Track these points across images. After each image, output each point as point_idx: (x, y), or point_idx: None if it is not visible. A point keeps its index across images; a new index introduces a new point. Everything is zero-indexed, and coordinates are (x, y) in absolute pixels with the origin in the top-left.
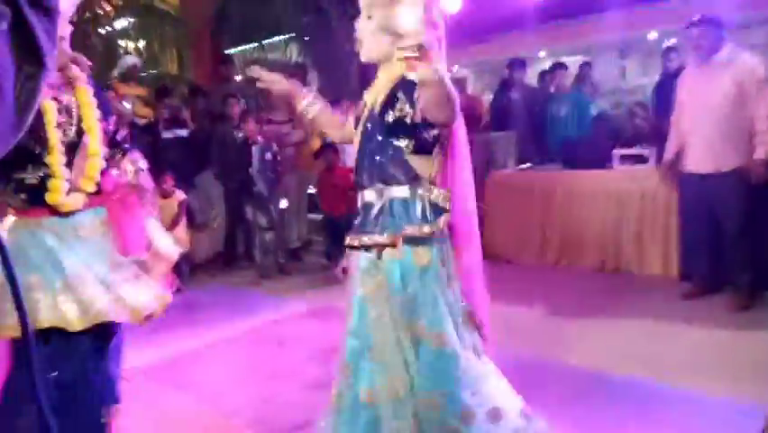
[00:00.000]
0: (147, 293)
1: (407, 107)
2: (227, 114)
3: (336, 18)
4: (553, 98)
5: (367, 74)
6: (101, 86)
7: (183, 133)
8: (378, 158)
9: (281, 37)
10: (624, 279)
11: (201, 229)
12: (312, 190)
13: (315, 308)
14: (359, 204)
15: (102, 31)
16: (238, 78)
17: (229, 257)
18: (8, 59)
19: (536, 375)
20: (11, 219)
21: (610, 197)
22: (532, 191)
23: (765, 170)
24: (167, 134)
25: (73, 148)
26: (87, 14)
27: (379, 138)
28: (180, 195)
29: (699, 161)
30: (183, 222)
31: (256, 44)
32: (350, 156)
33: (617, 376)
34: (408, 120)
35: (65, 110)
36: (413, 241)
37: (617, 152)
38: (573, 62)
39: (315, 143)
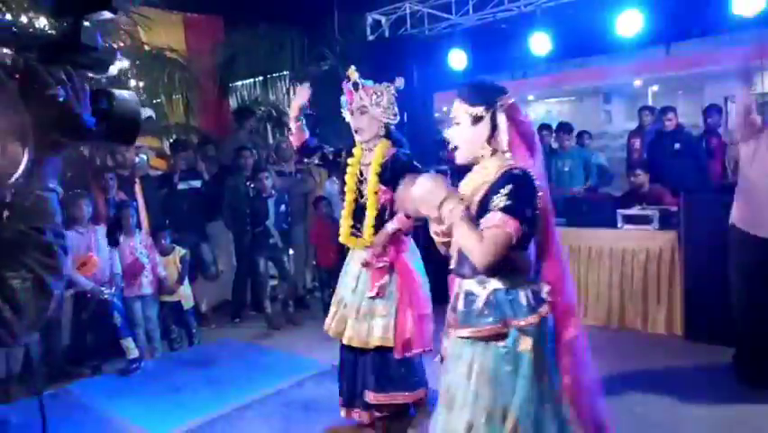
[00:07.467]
0: None
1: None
2: (240, 165)
3: (343, 69)
4: (556, 154)
5: None
6: None
7: (197, 183)
8: None
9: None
10: (628, 337)
11: (212, 279)
12: None
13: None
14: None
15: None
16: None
17: (237, 307)
18: None
19: None
20: None
21: (614, 255)
22: None
23: None
24: (182, 186)
25: None
26: None
27: None
28: (180, 251)
29: None
30: (186, 278)
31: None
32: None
33: None
34: None
35: None
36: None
37: (622, 212)
38: (559, 104)
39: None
